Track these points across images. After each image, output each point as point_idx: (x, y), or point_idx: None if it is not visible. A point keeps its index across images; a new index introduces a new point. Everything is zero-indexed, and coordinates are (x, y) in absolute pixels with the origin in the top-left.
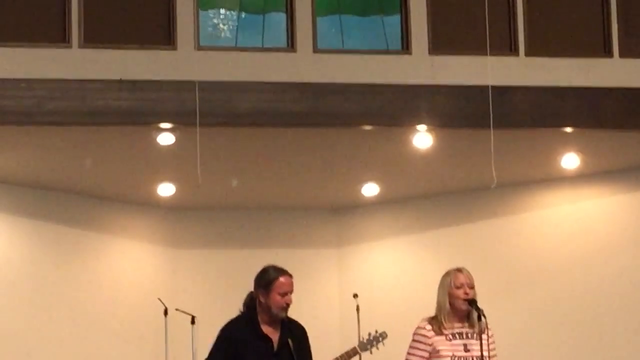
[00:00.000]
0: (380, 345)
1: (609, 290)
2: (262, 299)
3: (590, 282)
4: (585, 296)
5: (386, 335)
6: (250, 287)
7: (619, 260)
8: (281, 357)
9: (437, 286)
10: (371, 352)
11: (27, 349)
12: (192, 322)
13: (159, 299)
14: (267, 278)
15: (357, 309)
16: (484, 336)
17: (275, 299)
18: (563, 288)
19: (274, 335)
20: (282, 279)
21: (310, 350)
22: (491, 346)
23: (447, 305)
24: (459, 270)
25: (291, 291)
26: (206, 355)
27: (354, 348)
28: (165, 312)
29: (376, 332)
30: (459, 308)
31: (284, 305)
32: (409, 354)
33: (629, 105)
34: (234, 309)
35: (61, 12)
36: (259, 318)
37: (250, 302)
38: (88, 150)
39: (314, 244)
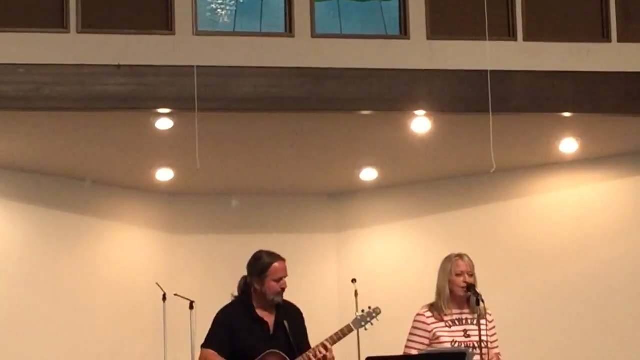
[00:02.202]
0: (374, 321)
1: (608, 275)
2: (257, 286)
3: (589, 267)
4: (583, 281)
5: (380, 311)
6: None
7: (618, 245)
8: (277, 339)
9: (435, 271)
10: (366, 329)
11: (24, 334)
12: (191, 307)
13: (158, 284)
14: (261, 265)
15: (356, 294)
16: (483, 321)
17: (270, 284)
18: (561, 273)
19: (269, 318)
20: (276, 264)
21: (306, 331)
22: (491, 332)
23: (447, 291)
24: (460, 257)
25: (286, 275)
26: (203, 341)
27: (348, 325)
28: (164, 298)
29: (370, 308)
30: (458, 295)
31: (279, 290)
32: (409, 340)
33: (628, 90)
34: None
35: None
36: (254, 302)
37: (245, 287)
38: (86, 135)
39: (312, 229)
